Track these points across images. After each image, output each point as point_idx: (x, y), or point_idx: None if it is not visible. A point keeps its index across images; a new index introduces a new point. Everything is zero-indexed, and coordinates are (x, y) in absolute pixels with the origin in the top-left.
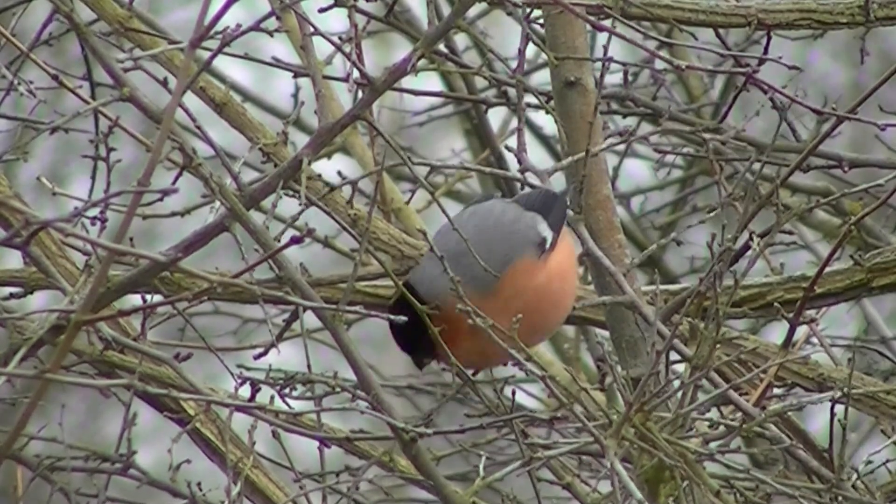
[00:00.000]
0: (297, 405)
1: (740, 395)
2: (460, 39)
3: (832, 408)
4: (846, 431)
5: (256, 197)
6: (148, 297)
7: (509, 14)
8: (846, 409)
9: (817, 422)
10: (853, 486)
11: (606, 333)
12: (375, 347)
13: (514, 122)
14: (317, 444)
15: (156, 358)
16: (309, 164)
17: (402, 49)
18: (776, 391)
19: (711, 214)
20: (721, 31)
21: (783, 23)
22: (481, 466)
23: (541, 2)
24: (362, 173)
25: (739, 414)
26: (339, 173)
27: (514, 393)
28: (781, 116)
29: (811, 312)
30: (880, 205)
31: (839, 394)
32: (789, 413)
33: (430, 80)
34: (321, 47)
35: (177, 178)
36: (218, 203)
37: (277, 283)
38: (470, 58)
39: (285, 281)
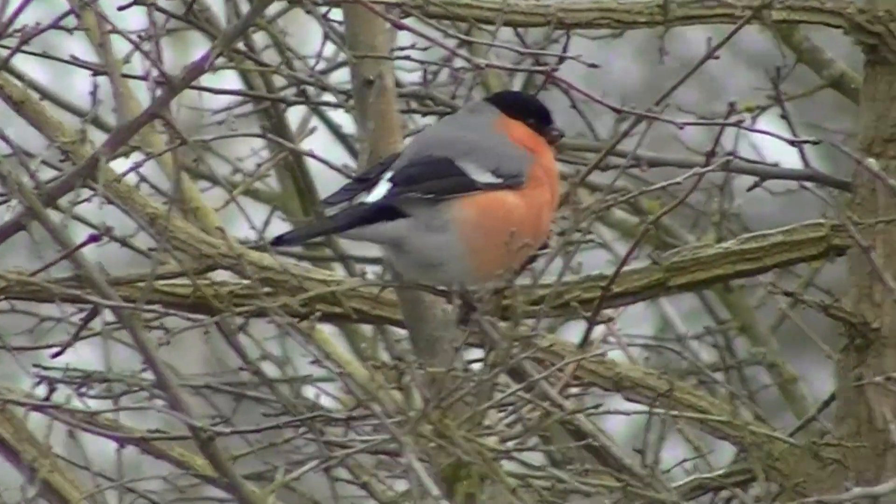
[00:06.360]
0: (95, 404)
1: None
2: (260, 38)
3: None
4: (649, 431)
5: (54, 195)
6: None
7: (308, 12)
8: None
9: (613, 421)
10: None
11: (404, 332)
12: (173, 346)
13: (313, 121)
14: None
15: None
16: (106, 162)
17: (201, 47)
18: (573, 390)
19: None
20: (520, 30)
21: (583, 21)
22: (281, 471)
23: (340, 0)
24: (160, 171)
25: (536, 412)
26: (136, 167)
27: (318, 397)
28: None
29: (609, 311)
30: (678, 204)
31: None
32: (589, 412)
33: (230, 79)
34: (120, 46)
35: None
36: (15, 201)
37: (76, 282)
38: (269, 56)
39: (84, 280)
